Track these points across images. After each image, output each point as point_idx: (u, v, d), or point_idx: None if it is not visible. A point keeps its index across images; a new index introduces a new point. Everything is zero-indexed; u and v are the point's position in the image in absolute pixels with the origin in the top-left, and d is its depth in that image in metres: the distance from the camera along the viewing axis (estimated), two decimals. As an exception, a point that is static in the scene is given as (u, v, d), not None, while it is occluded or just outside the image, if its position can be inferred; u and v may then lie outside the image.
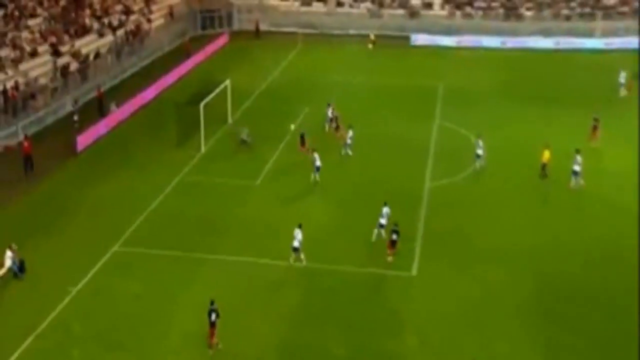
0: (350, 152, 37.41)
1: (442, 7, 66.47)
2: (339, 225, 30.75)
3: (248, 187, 34.52)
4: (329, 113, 41.22)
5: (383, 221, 29.22)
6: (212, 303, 23.18)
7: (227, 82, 42.39)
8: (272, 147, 38.79)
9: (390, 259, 28.02)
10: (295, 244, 27.48)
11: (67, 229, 30.68)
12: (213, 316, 23.02)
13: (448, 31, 62.86)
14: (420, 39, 61.82)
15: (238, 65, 55.15)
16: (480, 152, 35.57)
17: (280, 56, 57.56)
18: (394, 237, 27.97)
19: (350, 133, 37.49)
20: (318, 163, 34.28)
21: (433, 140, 40.00)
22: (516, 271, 27.48)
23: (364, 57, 58.19)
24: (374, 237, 29.28)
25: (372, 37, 60.61)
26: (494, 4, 66.03)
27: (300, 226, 27.69)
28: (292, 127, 40.54)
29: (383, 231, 29.19)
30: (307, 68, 54.90)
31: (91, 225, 30.89)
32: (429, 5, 66.59)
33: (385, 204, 29.35)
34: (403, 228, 28.57)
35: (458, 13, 65.60)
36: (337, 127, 40.00)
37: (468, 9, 65.72)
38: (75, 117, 42.22)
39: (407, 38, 61.95)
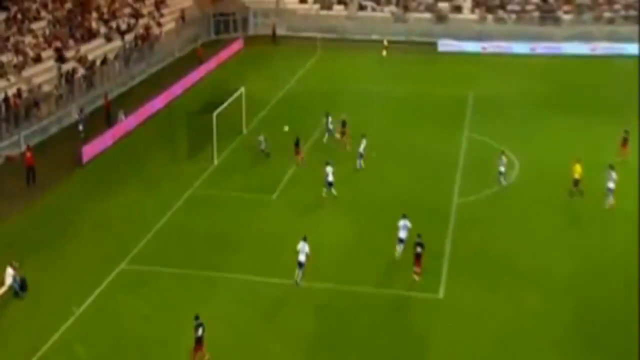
0: (362, 164, 37.72)
1: (472, 11, 66.68)
2: (358, 243, 30.95)
3: (263, 201, 34.84)
4: (329, 124, 41.67)
5: (402, 235, 29.34)
6: (196, 318, 23.54)
7: (242, 90, 42.87)
8: (290, 158, 39.07)
9: (416, 277, 28.09)
10: (302, 258, 27.65)
11: (71, 245, 31.11)
12: (200, 331, 23.29)
13: (478, 36, 63.10)
14: (448, 44, 62.10)
15: (253, 72, 55.69)
16: (502, 169, 35.49)
17: (298, 63, 58.06)
18: (419, 249, 28.00)
19: (364, 143, 37.77)
20: (330, 178, 34.51)
21: (462, 153, 40.14)
22: (552, 295, 27.41)
23: (387, 64, 58.53)
24: (397, 254, 29.48)
25: (385, 42, 61.04)
26: (528, 7, 66.06)
27: (305, 239, 27.94)
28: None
29: (403, 246, 29.35)
30: (326, 75, 55.35)
31: (96, 242, 31.32)
32: (457, 9, 66.81)
33: (403, 216, 29.51)
34: (429, 246, 28.66)
35: (489, 17, 65.81)
36: (344, 134, 40.40)
37: (500, 13, 65.88)
38: (81, 127, 42.84)
39: (434, 44, 62.25)
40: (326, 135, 41.53)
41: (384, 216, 32.76)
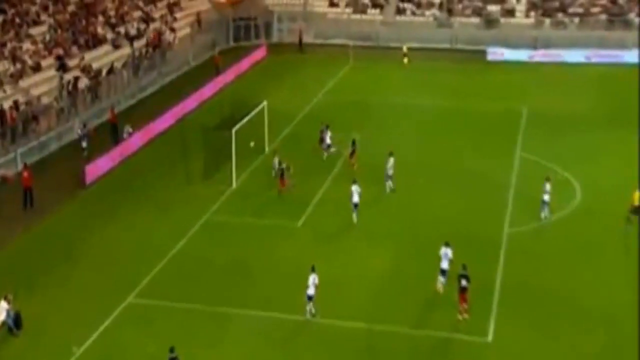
0: (392, 185, 38.03)
1: (527, 15, 66.69)
2: (394, 275, 31.08)
3: (288, 229, 35.13)
4: (327, 138, 42.20)
5: (445, 266, 29.46)
6: (171, 351, 23.88)
7: (264, 103, 43.32)
8: (318, 181, 39.47)
9: (462, 316, 28.06)
10: (311, 291, 27.94)
11: (73, 275, 31.54)
12: None
13: (533, 43, 63.20)
14: (499, 53, 62.32)
15: (277, 84, 56.33)
16: (546, 197, 35.16)
17: (327, 73, 58.61)
18: (464, 283, 28.03)
19: (391, 162, 38.03)
20: (356, 199, 34.99)
21: (514, 176, 40.19)
22: (616, 336, 27.23)
23: (429, 74, 58.86)
24: (439, 287, 29.53)
25: (405, 49, 61.43)
26: (594, 10, 65.60)
27: (313, 269, 28.22)
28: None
29: (445, 279, 29.42)
30: (359, 87, 55.77)
31: (101, 272, 31.73)
32: (510, 13, 66.84)
33: (446, 244, 29.64)
34: (476, 281, 28.67)
35: (547, 21, 65.76)
36: (353, 153, 40.85)
37: (560, 16, 65.77)
38: (84, 144, 43.59)
39: (483, 52, 62.53)
40: (325, 153, 42.15)
41: (423, 245, 32.91)
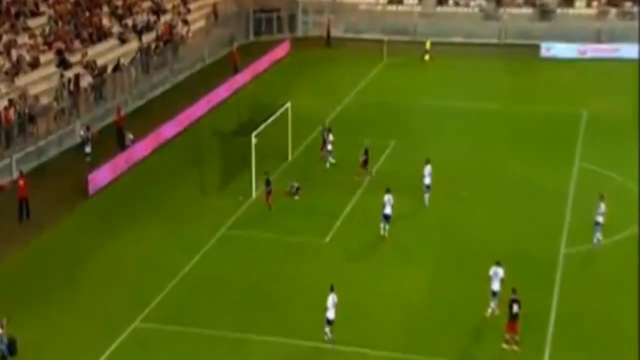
0: (428, 198, 38.11)
1: (588, 4, 66.26)
2: (434, 300, 31.04)
3: (313, 245, 35.26)
4: (328, 143, 42.46)
5: (495, 287, 29.37)
6: None
7: (288, 105, 43.51)
8: (348, 192, 39.60)
9: (511, 348, 27.90)
10: (331, 314, 28.02)
11: (74, 297, 31.74)
12: None
13: (596, 37, 62.85)
14: (555, 48, 62.14)
15: (303, 83, 56.62)
16: (600, 219, 34.52)
17: (359, 71, 58.81)
18: (515, 309, 27.92)
19: (428, 169, 38.03)
20: (388, 210, 35.09)
21: (572, 188, 40.05)
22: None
23: (474, 73, 58.88)
24: (489, 312, 29.48)
25: (427, 45, 61.64)
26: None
27: (332, 288, 28.25)
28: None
29: (496, 302, 29.33)
30: (394, 88, 55.87)
31: (105, 293, 31.93)
32: (568, 2, 66.46)
33: (497, 264, 29.55)
34: (529, 308, 28.55)
35: (612, 11, 65.25)
36: (365, 163, 40.95)
37: (628, 6, 65.19)
38: (87, 149, 44.03)
39: (536, 47, 62.43)
40: (328, 162, 42.40)
41: (465, 265, 32.95)
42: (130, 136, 44.80)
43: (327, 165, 42.65)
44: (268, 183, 38.19)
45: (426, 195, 38.22)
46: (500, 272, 29.47)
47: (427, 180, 37.99)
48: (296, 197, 39.17)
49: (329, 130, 43.07)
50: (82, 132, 45.36)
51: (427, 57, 61.38)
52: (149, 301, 31.14)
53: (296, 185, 39.42)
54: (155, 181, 42.11)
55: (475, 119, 49.65)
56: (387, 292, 31.48)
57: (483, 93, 54.27)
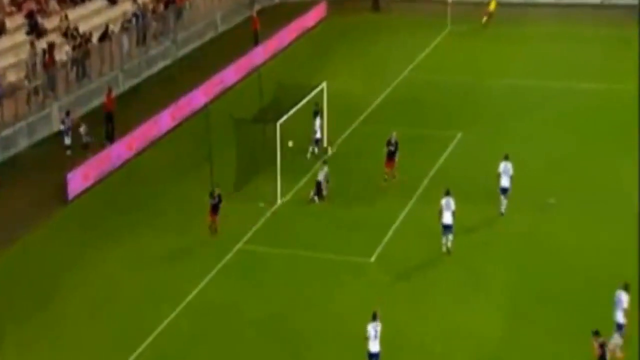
0: (505, 205, 37.98)
1: None
2: (510, 341, 30.66)
3: (355, 266, 35.15)
4: (317, 125, 42.74)
5: (620, 319, 28.82)
6: None
7: (323, 85, 43.62)
8: (400, 200, 39.59)
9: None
10: (375, 347, 27.88)
11: (51, 327, 31.71)
12: None
13: None
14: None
15: (342, 57, 56.66)
16: None
17: (414, 42, 58.84)
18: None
19: (505, 167, 37.67)
20: (447, 220, 34.95)
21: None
22: None
23: (567, 44, 58.47)
24: (614, 350, 28.99)
25: (492, 5, 62.02)
26: None
27: (375, 317, 28.11)
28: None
29: (621, 334, 28.92)
30: (461, 63, 55.87)
31: (89, 324, 31.86)
32: None
33: (625, 288, 29.04)
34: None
35: None
36: (391, 160, 40.75)
37: None
38: (67, 141, 44.25)
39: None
40: (311, 149, 42.90)
41: (555, 295, 32.57)
42: (86, 130, 44.60)
43: (308, 155, 42.87)
44: (214, 196, 37.14)
45: (503, 201, 38.08)
46: (625, 299, 28.87)
47: (505, 182, 37.79)
48: (316, 199, 39.44)
49: (317, 113, 43.13)
50: (61, 119, 45.45)
51: (484, 18, 61.79)
52: (145, 334, 30.97)
53: (322, 179, 39.58)
54: (153, 181, 42.24)
55: (568, 103, 49.36)
56: (447, 327, 31.24)
57: (578, 70, 53.77)
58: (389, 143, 40.73)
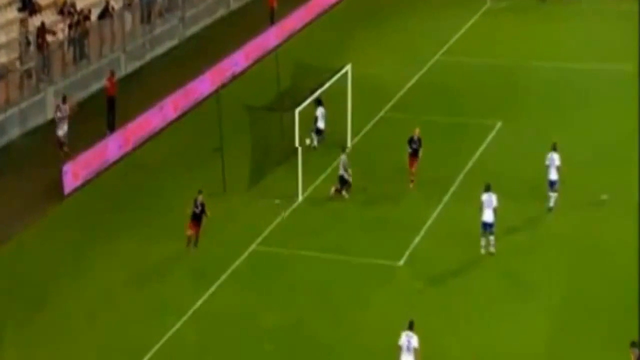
0: (553, 200, 37.87)
1: None
2: (558, 354, 30.50)
3: (382, 270, 35.02)
4: (319, 119, 42.74)
5: None
6: None
7: (347, 68, 43.40)
8: (432, 198, 39.42)
9: None
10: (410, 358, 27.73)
11: (42, 337, 31.51)
12: None
13: None
14: None
15: (367, 38, 56.57)
16: None
17: (448, 21, 59.02)
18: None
19: (554, 158, 37.62)
20: (489, 218, 34.82)
21: None
22: None
23: (625, 22, 57.53)
24: None
25: None
26: None
27: (411, 326, 28.03)
28: (308, 141, 41.73)
29: None
30: (502, 45, 55.83)
31: (87, 334, 31.67)
32: None
33: None
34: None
35: None
36: (416, 151, 40.28)
37: None
38: (60, 132, 43.85)
39: None
40: (313, 138, 42.83)
41: (609, 304, 32.34)
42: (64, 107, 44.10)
43: (306, 144, 42.48)
44: (197, 204, 36.13)
45: (551, 196, 37.97)
46: None
47: (553, 175, 37.76)
48: (344, 194, 39.32)
49: (319, 102, 42.90)
50: (56, 106, 45.07)
51: None
52: (147, 348, 30.78)
53: (345, 174, 39.28)
54: (157, 174, 42.24)
55: (621, 89, 48.81)
56: (484, 341, 30.95)
57: (634, 51, 53.17)
58: (411, 141, 40.41)
